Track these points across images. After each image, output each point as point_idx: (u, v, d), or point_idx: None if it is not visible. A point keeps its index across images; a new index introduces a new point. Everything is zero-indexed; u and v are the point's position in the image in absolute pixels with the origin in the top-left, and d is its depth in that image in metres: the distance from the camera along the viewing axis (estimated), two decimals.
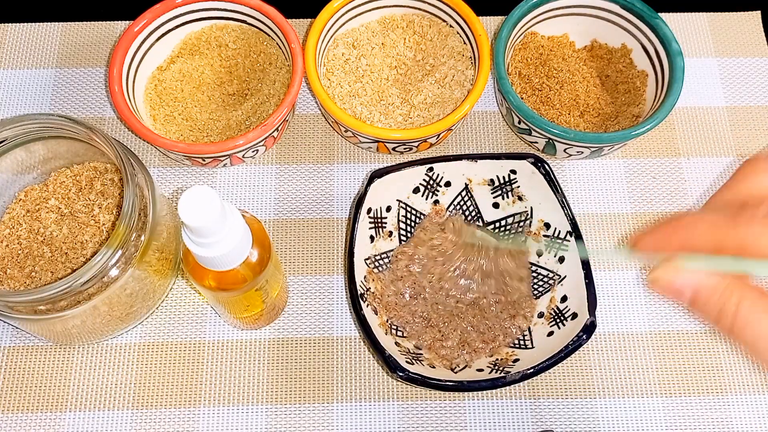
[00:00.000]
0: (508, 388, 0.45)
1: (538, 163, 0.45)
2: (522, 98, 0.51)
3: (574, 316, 0.42)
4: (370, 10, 0.52)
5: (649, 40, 0.50)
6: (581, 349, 0.46)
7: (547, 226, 0.46)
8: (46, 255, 0.44)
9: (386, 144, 0.48)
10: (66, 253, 0.44)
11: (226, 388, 0.45)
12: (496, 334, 0.45)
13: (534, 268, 0.47)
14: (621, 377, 0.46)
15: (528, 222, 0.47)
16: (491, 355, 0.44)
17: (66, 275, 0.43)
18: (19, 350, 0.45)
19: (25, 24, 0.56)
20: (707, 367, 0.46)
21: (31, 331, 0.43)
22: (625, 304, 0.48)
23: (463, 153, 0.50)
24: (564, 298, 0.44)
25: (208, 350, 0.46)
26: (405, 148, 0.49)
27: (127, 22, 0.56)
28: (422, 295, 0.46)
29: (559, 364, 0.46)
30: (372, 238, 0.46)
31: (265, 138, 0.47)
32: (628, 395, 0.45)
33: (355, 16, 0.52)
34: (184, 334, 0.46)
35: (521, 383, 0.45)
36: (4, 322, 0.46)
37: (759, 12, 0.58)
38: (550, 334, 0.43)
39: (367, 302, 0.43)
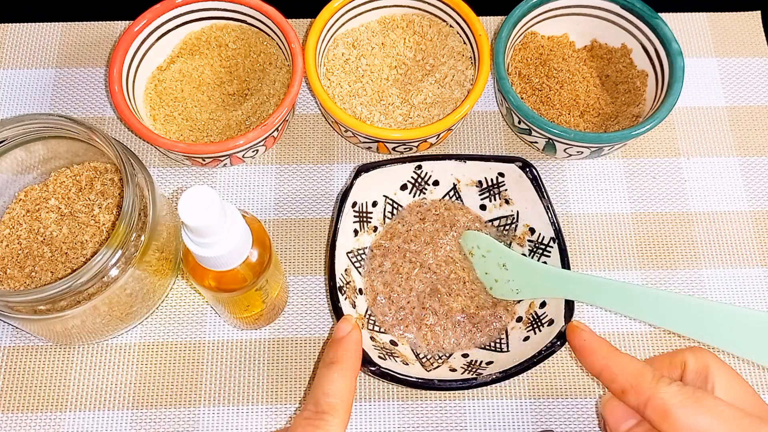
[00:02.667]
0: (508, 388, 0.45)
1: (526, 167, 0.45)
2: (522, 98, 0.51)
3: (551, 322, 0.42)
4: (370, 10, 0.52)
5: (649, 40, 0.50)
6: None
7: (532, 231, 0.46)
8: (46, 255, 0.44)
9: (386, 144, 0.48)
10: (66, 253, 0.44)
11: (226, 388, 0.45)
12: (483, 318, 0.45)
13: None
14: None
15: (513, 226, 0.47)
16: (481, 344, 0.44)
17: (66, 275, 0.43)
18: (19, 350, 0.45)
19: (25, 24, 0.56)
20: None
21: (31, 331, 0.43)
22: None
23: (461, 153, 0.50)
24: (543, 304, 0.43)
25: (208, 350, 0.46)
26: (405, 148, 0.49)
27: (127, 22, 0.56)
28: (396, 291, 0.46)
29: (560, 364, 0.46)
30: (356, 231, 0.46)
31: (265, 138, 0.47)
32: None
33: (355, 16, 0.52)
34: (184, 334, 0.46)
35: (522, 384, 0.45)
36: (4, 322, 0.46)
37: (759, 12, 0.58)
38: (526, 339, 0.43)
39: (345, 295, 0.43)
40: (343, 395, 0.34)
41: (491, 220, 0.48)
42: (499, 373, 0.40)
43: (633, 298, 0.37)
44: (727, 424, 0.30)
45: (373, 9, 0.52)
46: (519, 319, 0.45)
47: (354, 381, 0.35)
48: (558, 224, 0.44)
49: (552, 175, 0.52)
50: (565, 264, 0.43)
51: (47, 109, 0.53)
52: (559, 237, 0.44)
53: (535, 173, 0.44)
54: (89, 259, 0.40)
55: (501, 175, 0.46)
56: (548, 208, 0.44)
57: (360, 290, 0.46)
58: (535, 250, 0.45)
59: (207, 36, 0.52)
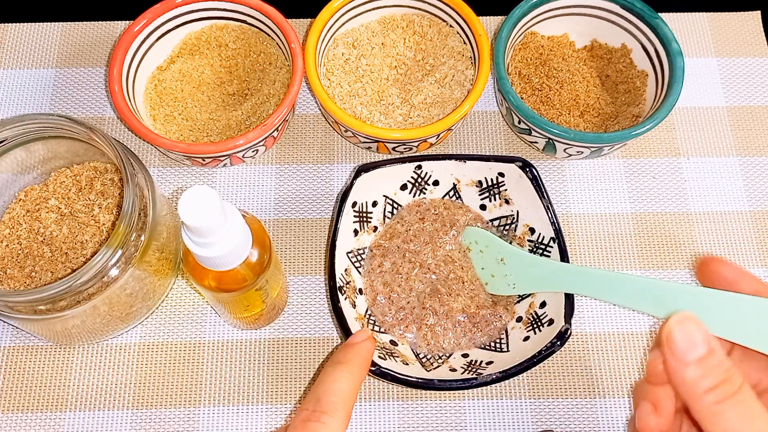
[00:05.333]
0: (508, 388, 0.45)
1: (526, 167, 0.45)
2: (522, 98, 0.51)
3: (551, 322, 0.42)
4: (370, 10, 0.52)
5: (649, 40, 0.50)
6: (581, 349, 0.46)
7: (532, 231, 0.46)
8: (46, 255, 0.44)
9: (386, 144, 0.48)
10: (66, 253, 0.44)
11: (226, 388, 0.45)
12: (483, 315, 0.45)
13: None
14: (621, 377, 0.46)
15: (513, 226, 0.47)
16: (482, 344, 0.44)
17: (66, 275, 0.43)
18: (19, 350, 0.45)
19: (25, 24, 0.56)
20: None
21: (31, 331, 0.43)
22: None
23: (461, 153, 0.50)
24: (543, 304, 0.43)
25: (208, 350, 0.46)
26: (405, 148, 0.49)
27: (127, 22, 0.56)
28: (396, 291, 0.46)
29: (560, 364, 0.46)
30: (356, 231, 0.46)
31: (265, 138, 0.47)
32: (628, 395, 0.45)
33: (355, 16, 0.52)
34: (184, 334, 0.46)
35: (522, 384, 0.45)
36: (4, 322, 0.46)
37: (759, 12, 0.58)
38: (526, 338, 0.43)
39: (345, 295, 0.43)
40: (345, 396, 0.33)
41: (491, 220, 0.48)
42: (499, 373, 0.40)
43: (631, 288, 0.36)
44: None
45: (373, 9, 0.52)
46: (519, 319, 0.45)
47: (358, 386, 0.34)
48: (558, 224, 0.44)
49: (552, 175, 0.52)
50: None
51: (47, 109, 0.53)
52: (559, 237, 0.44)
53: (535, 173, 0.44)
54: (89, 259, 0.40)
55: (501, 175, 0.46)
56: (548, 208, 0.44)
57: (360, 290, 0.46)
58: (535, 250, 0.45)
59: (207, 36, 0.52)
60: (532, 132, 0.48)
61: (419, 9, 0.52)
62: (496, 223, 0.48)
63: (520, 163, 0.45)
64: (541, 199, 0.44)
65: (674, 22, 0.57)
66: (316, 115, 0.53)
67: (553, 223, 0.44)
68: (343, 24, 0.52)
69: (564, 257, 0.43)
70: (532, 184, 0.45)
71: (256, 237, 0.36)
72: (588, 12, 0.52)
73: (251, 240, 0.35)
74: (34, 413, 0.44)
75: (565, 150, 0.49)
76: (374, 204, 0.47)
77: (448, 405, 0.45)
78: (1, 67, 0.54)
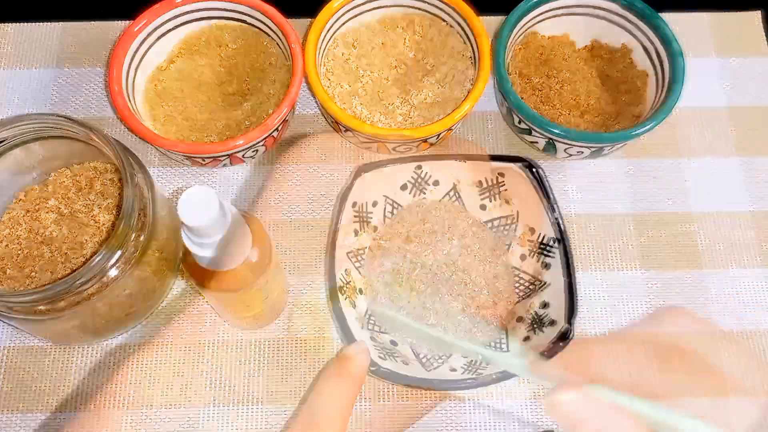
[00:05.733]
0: (508, 388, 0.45)
1: (532, 167, 0.44)
2: (522, 98, 0.51)
3: (553, 322, 0.42)
4: (370, 10, 0.52)
5: (650, 40, 0.50)
6: None
7: (532, 231, 0.46)
8: (46, 255, 0.44)
9: (386, 144, 0.48)
10: (66, 253, 0.44)
11: (226, 388, 0.45)
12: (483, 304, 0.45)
13: (516, 272, 0.46)
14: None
15: (513, 226, 0.47)
16: (482, 344, 0.44)
17: (66, 275, 0.42)
18: (19, 350, 0.45)
19: (25, 24, 0.56)
20: None
21: (31, 331, 0.43)
22: (625, 304, 0.48)
23: (461, 153, 0.50)
24: (545, 305, 0.43)
25: (208, 350, 0.46)
26: (405, 148, 0.49)
27: (127, 22, 0.56)
28: (397, 291, 0.46)
29: None
30: (356, 231, 0.46)
31: (265, 138, 0.47)
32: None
33: (355, 15, 0.52)
34: (184, 334, 0.46)
35: (522, 384, 0.45)
36: (4, 322, 0.46)
37: (759, 12, 0.58)
38: (527, 339, 0.43)
39: (345, 295, 0.43)
40: (341, 410, 0.32)
41: (491, 220, 0.48)
42: (499, 373, 0.40)
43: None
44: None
45: (374, 9, 0.52)
46: (519, 319, 0.45)
47: (353, 398, 0.34)
48: (560, 224, 0.44)
49: (552, 175, 0.52)
50: (569, 265, 0.43)
51: (47, 109, 0.53)
52: (563, 238, 0.43)
53: (541, 173, 0.44)
54: (89, 259, 0.40)
55: (501, 175, 0.46)
56: (552, 209, 0.44)
57: (360, 290, 0.45)
58: (535, 250, 0.45)
59: (207, 36, 0.52)
60: (533, 132, 0.48)
61: (419, 9, 0.52)
62: (496, 223, 0.48)
63: (525, 163, 0.45)
64: (546, 199, 0.44)
65: (675, 21, 0.57)
66: (316, 115, 0.53)
67: (555, 224, 0.44)
68: (343, 24, 0.52)
69: (568, 257, 0.43)
70: (538, 184, 0.44)
71: (256, 237, 0.36)
72: (588, 12, 0.52)
73: (251, 240, 0.35)
74: (34, 413, 0.44)
75: (565, 150, 0.49)
76: (374, 204, 0.47)
77: (448, 405, 0.45)
78: (1, 67, 0.54)
